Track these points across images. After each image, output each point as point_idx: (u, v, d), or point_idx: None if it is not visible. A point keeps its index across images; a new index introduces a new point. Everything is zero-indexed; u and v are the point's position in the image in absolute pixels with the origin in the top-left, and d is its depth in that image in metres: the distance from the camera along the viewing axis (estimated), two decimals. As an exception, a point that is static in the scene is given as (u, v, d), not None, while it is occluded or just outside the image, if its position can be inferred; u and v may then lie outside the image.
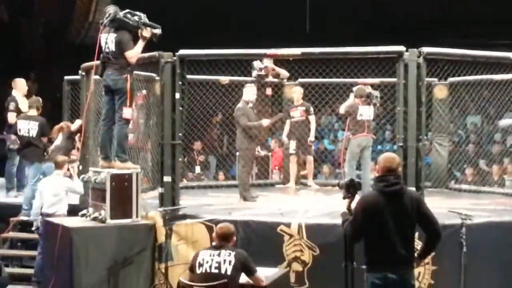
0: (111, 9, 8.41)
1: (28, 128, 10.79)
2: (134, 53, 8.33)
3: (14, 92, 11.58)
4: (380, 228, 5.50)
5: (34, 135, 10.74)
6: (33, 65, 19.39)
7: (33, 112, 10.97)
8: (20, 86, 11.62)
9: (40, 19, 19.56)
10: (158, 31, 8.39)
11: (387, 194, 5.54)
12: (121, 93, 8.34)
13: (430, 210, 5.74)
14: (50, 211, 9.07)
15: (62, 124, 11.29)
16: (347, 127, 10.36)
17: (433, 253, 7.35)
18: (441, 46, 8.85)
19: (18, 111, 11.32)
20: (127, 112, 8.35)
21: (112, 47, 8.36)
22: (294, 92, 11.73)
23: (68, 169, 9.59)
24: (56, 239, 8.13)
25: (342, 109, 10.39)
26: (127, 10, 8.37)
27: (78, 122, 10.88)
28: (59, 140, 10.93)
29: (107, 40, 8.37)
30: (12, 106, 11.37)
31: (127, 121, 8.47)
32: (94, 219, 8.23)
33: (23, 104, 11.38)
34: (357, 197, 5.85)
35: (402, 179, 5.89)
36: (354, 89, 10.30)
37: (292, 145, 11.69)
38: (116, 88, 8.37)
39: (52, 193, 9.15)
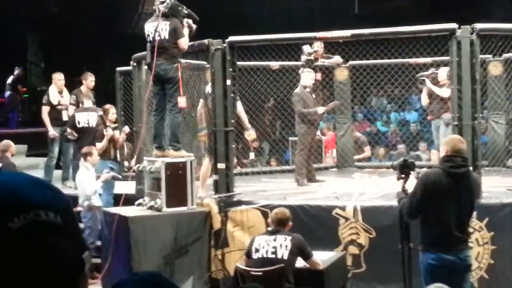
0: None
1: (88, 119, 10.91)
2: (187, 41, 8.37)
3: (51, 87, 11.83)
4: (439, 208, 5.45)
5: (94, 126, 10.82)
6: (84, 57, 19.65)
7: (89, 104, 11.10)
8: (55, 81, 11.83)
9: (89, 11, 19.78)
10: (195, 26, 8.45)
11: (452, 175, 5.48)
12: (173, 82, 8.35)
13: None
14: (84, 204, 9.18)
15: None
16: (449, 108, 10.03)
17: (492, 233, 7.30)
18: (494, 21, 8.68)
19: (50, 104, 11.54)
20: (181, 101, 8.39)
21: (165, 35, 8.32)
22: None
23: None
24: (112, 228, 8.24)
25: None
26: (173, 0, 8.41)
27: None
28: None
29: (158, 28, 8.34)
30: (44, 99, 11.65)
31: (180, 110, 8.51)
32: (151, 208, 8.31)
33: (54, 98, 11.58)
34: (411, 177, 5.81)
35: (468, 162, 5.83)
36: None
37: None
38: (167, 77, 8.36)
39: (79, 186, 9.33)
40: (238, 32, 9.09)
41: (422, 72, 10.87)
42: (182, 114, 8.71)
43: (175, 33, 8.30)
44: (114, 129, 10.62)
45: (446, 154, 5.62)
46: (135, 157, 10.08)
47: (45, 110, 11.57)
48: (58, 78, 11.85)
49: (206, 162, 9.17)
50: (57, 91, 11.73)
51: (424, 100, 10.90)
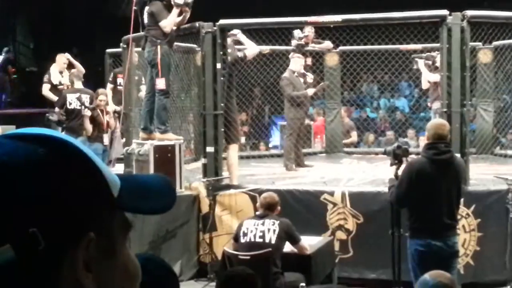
0: None
1: (79, 100, 10.83)
2: (167, 23, 8.31)
3: (52, 66, 11.67)
4: (427, 196, 5.46)
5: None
6: (75, 39, 19.51)
7: (80, 85, 10.98)
8: (58, 61, 11.63)
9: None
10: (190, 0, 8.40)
11: (436, 162, 5.48)
12: (154, 64, 8.38)
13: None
14: None
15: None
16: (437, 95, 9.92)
17: (479, 220, 7.34)
18: (485, 8, 8.68)
19: (50, 83, 11.37)
20: (159, 83, 8.36)
21: (146, 20, 8.48)
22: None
23: None
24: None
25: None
26: None
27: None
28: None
29: (144, 13, 8.49)
30: (45, 78, 11.46)
31: (165, 92, 8.48)
32: (139, 190, 8.28)
33: (55, 77, 11.41)
34: (405, 163, 5.83)
35: (451, 147, 5.83)
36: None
37: None
38: (149, 60, 8.47)
39: None
40: (229, 15, 9.04)
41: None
42: (166, 96, 8.63)
43: (153, 17, 8.37)
44: (102, 112, 10.54)
45: (429, 141, 5.63)
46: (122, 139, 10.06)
47: (46, 87, 11.33)
48: (63, 60, 11.56)
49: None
50: (58, 70, 11.51)
51: (424, 84, 10.64)
